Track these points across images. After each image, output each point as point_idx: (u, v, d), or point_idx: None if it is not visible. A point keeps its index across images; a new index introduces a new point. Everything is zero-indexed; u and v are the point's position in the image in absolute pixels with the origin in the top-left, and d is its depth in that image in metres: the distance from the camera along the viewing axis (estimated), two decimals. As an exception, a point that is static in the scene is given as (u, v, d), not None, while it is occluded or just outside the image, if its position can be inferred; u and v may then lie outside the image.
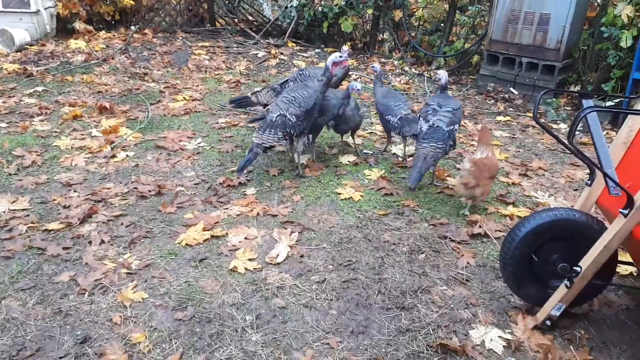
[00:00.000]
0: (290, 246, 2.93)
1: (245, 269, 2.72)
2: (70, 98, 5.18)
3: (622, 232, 2.06)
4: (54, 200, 3.29)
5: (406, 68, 7.39)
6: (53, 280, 2.56)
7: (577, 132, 5.09)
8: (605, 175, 2.05)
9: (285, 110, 3.56)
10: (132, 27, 8.14)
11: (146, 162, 3.94)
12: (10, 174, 3.59)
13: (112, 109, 4.89)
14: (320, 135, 4.64)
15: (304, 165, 3.96)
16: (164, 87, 5.78)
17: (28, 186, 3.44)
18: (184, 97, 5.46)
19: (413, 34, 8.29)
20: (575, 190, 3.90)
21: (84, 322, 2.30)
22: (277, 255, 2.85)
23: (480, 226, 3.21)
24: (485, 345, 2.29)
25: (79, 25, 7.61)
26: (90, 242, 2.88)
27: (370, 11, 7.97)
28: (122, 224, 3.08)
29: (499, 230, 3.21)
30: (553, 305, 2.30)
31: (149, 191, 3.46)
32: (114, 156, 3.98)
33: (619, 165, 2.40)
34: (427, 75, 7.03)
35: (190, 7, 8.76)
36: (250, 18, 9.43)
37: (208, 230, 3.04)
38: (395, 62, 7.62)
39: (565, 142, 2.09)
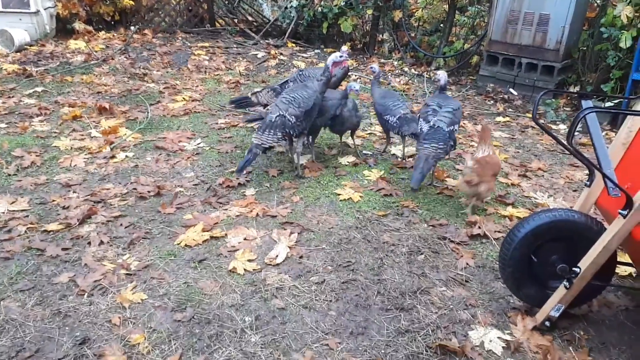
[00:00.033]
0: (290, 247, 2.93)
1: (245, 269, 2.72)
2: (70, 98, 5.18)
3: (621, 233, 2.06)
4: (53, 201, 3.29)
5: (406, 68, 7.39)
6: (52, 281, 2.56)
7: (576, 133, 5.09)
8: (604, 176, 2.05)
9: (285, 110, 3.56)
10: (132, 28, 8.14)
11: (145, 162, 3.94)
12: (9, 175, 3.59)
13: (111, 110, 4.89)
14: (320, 136, 4.64)
15: (303, 166, 3.96)
16: (164, 88, 5.78)
17: (27, 187, 3.44)
18: (183, 98, 5.46)
19: (413, 35, 8.29)
20: (575, 191, 3.90)
21: (83, 323, 2.30)
22: (277, 256, 2.85)
23: (479, 227, 3.21)
24: (485, 346, 2.29)
25: (78, 25, 7.61)
26: (89, 243, 2.88)
27: (369, 12, 7.98)
28: (121, 224, 3.07)
29: (498, 231, 3.21)
30: (552, 306, 2.30)
31: (149, 192, 3.46)
32: (113, 157, 3.98)
33: (618, 166, 2.40)
34: (427, 76, 7.03)
35: (190, 8, 8.76)
36: (250, 18, 9.44)
37: (207, 231, 3.04)
38: (395, 63, 7.62)
39: (565, 142, 2.09)
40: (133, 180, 3.62)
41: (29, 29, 6.93)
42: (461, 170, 4.14)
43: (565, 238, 2.33)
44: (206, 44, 7.90)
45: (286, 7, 8.41)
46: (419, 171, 3.38)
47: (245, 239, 3.00)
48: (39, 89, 5.35)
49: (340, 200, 3.51)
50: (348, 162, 4.13)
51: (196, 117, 5.00)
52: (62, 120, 4.62)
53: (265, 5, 10.14)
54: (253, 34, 8.54)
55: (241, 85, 6.17)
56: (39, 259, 2.72)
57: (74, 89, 5.52)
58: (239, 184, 3.65)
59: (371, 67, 4.28)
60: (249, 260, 2.79)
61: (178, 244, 2.92)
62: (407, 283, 2.70)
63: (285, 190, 3.61)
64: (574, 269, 2.20)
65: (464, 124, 5.29)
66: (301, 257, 2.87)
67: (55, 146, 4.09)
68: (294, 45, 8.30)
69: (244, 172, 3.66)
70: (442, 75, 3.81)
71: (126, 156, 4.01)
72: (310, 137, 4.09)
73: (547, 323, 2.35)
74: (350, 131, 4.25)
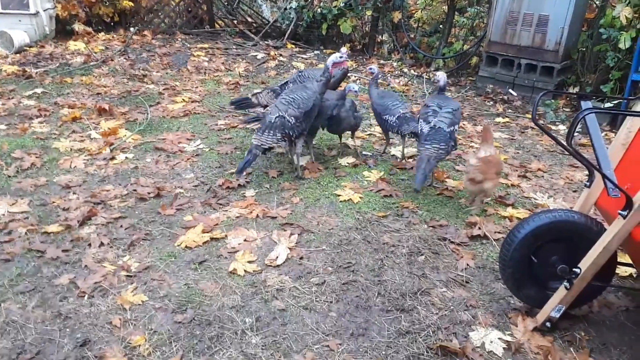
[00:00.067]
0: (290, 248, 2.93)
1: (245, 271, 2.72)
2: (70, 100, 5.18)
3: (621, 234, 2.06)
4: (53, 202, 3.28)
5: (405, 69, 7.40)
6: (52, 283, 2.56)
7: (576, 134, 5.10)
8: (604, 176, 2.05)
9: (284, 111, 3.56)
10: (131, 29, 8.14)
11: (145, 164, 3.94)
12: (9, 176, 3.59)
13: (111, 111, 4.89)
14: (320, 137, 4.64)
15: (303, 167, 3.96)
16: (163, 89, 5.78)
17: (27, 188, 3.44)
18: (183, 99, 5.46)
19: (412, 36, 8.30)
20: (575, 191, 3.91)
21: (84, 325, 2.30)
22: (277, 257, 2.85)
23: (479, 228, 3.21)
24: (486, 347, 2.29)
25: (78, 26, 7.61)
26: (89, 245, 2.88)
27: (369, 13, 7.99)
28: (121, 226, 3.07)
29: (499, 232, 3.21)
30: (553, 307, 2.31)
31: (148, 193, 3.45)
32: (113, 158, 3.98)
33: (618, 167, 2.40)
34: (426, 77, 7.04)
35: (190, 9, 8.76)
36: (250, 20, 9.44)
37: (207, 232, 3.04)
38: (394, 64, 7.63)
39: (564, 143, 2.10)
40: (133, 181, 3.62)
41: (29, 31, 6.93)
42: (461, 171, 4.15)
43: (565, 239, 2.33)
44: (206, 45, 7.90)
45: (285, 8, 8.42)
46: (422, 172, 3.39)
47: (245, 240, 3.00)
48: (38, 91, 5.35)
49: (340, 201, 3.51)
50: (348, 163, 4.13)
51: (196, 118, 5.00)
52: (61, 121, 4.62)
53: (265, 6, 10.14)
54: (252, 35, 8.54)
55: (241, 87, 6.18)
56: (39, 261, 2.72)
57: (73, 90, 5.52)
58: (239, 185, 3.65)
59: (370, 68, 4.29)
60: (249, 262, 2.79)
61: (178, 246, 2.92)
62: (408, 284, 2.70)
63: (285, 192, 3.61)
64: (574, 269, 2.20)
65: (463, 124, 5.29)
66: (301, 258, 2.87)
67: (55, 148, 4.09)
68: (293, 46, 8.31)
69: (244, 173, 3.66)
70: (441, 76, 3.82)
71: (126, 157, 4.01)
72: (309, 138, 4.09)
73: (548, 324, 2.35)
74: (351, 132, 4.26)
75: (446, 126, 3.52)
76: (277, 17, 8.69)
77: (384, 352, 2.24)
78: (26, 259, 2.73)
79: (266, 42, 8.32)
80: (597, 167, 2.08)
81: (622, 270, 2.87)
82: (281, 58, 7.58)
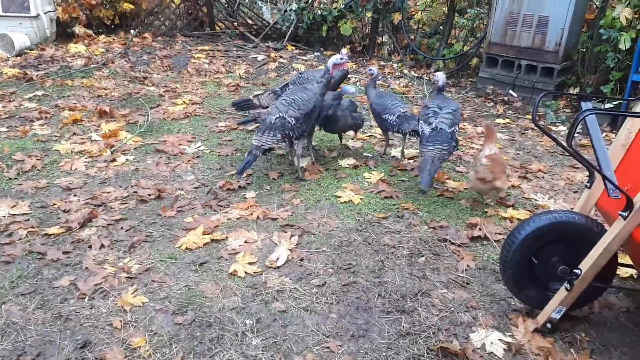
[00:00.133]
0: (290, 250, 2.92)
1: (245, 272, 2.72)
2: (70, 102, 5.19)
3: (622, 235, 2.06)
4: (54, 204, 3.29)
5: (405, 71, 7.40)
6: (53, 284, 2.56)
7: (576, 135, 5.09)
8: (604, 177, 2.05)
9: (285, 112, 3.56)
10: (132, 31, 8.15)
11: (146, 166, 3.95)
12: (10, 179, 3.60)
13: (111, 113, 4.89)
14: (320, 139, 4.65)
15: (303, 168, 3.96)
16: (164, 91, 5.79)
17: (28, 190, 3.45)
18: (183, 101, 5.47)
19: (412, 37, 8.31)
20: (575, 192, 3.91)
21: (84, 326, 2.30)
22: (277, 258, 2.85)
23: (480, 229, 3.21)
24: (486, 349, 2.29)
25: (78, 29, 7.64)
26: (90, 247, 2.88)
27: (369, 14, 8.00)
28: (122, 228, 3.08)
29: (499, 233, 3.21)
30: (553, 308, 2.30)
31: (149, 195, 3.46)
32: (113, 160, 3.99)
33: (618, 168, 2.40)
34: (427, 78, 7.04)
35: (190, 11, 8.78)
36: (250, 22, 9.46)
37: (208, 234, 3.04)
38: (395, 65, 7.63)
39: (564, 144, 2.10)
40: (133, 183, 3.62)
41: (29, 33, 6.95)
42: (462, 172, 4.15)
43: (565, 240, 2.33)
44: (206, 47, 7.91)
45: (286, 10, 8.43)
46: (427, 173, 3.40)
47: (245, 241, 3.00)
48: (39, 93, 5.36)
49: (341, 203, 3.51)
50: (348, 164, 4.13)
51: (196, 120, 5.01)
52: (62, 124, 4.62)
53: (265, 8, 10.16)
54: (253, 37, 8.56)
55: (241, 89, 6.18)
56: (39, 263, 2.72)
57: (74, 92, 5.53)
58: (240, 186, 3.65)
59: (369, 70, 4.29)
60: (250, 263, 2.79)
61: (179, 247, 2.92)
62: (408, 285, 2.70)
63: (286, 193, 3.61)
64: (574, 270, 2.20)
65: (464, 126, 5.30)
66: (302, 259, 2.87)
67: (55, 150, 4.09)
68: (293, 48, 8.32)
69: (244, 174, 3.67)
70: (440, 77, 3.83)
71: (127, 159, 4.02)
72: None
73: (549, 325, 2.35)
74: (353, 132, 4.27)
75: (447, 127, 3.53)
76: (277, 19, 8.71)
77: (384, 354, 2.23)
78: (27, 261, 2.73)
79: (266, 44, 8.33)
80: (598, 168, 2.07)
81: (622, 271, 2.86)
82: (281, 60, 7.58)
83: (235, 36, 8.76)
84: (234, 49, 8.07)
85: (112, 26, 8.34)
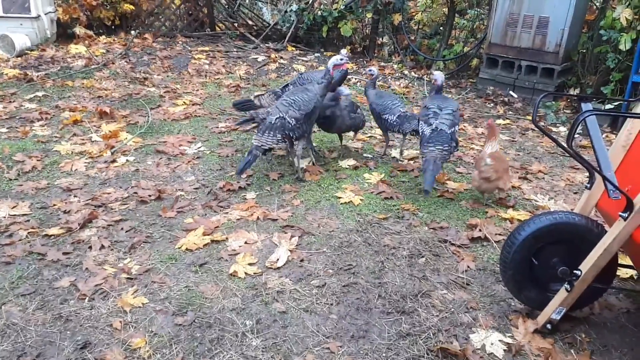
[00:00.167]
0: (291, 250, 2.92)
1: (246, 273, 2.72)
2: (71, 103, 5.19)
3: (622, 236, 2.06)
4: (54, 205, 3.29)
5: (405, 72, 7.40)
6: (53, 285, 2.56)
7: (576, 135, 5.09)
8: (604, 178, 2.05)
9: (285, 112, 3.56)
10: (132, 32, 8.16)
11: (146, 166, 3.95)
12: (10, 179, 3.60)
13: (112, 114, 4.90)
14: (321, 140, 4.65)
15: (303, 169, 3.96)
16: (164, 92, 5.79)
17: (28, 191, 3.45)
18: (184, 102, 5.47)
19: (412, 38, 8.31)
20: (575, 193, 3.90)
21: (84, 327, 2.30)
22: (277, 259, 2.85)
23: (480, 230, 3.21)
24: (486, 349, 2.29)
25: (79, 30, 7.64)
26: (90, 247, 2.88)
27: (369, 15, 8.00)
28: (122, 228, 3.08)
29: (499, 234, 3.21)
30: (553, 309, 2.30)
31: (149, 196, 3.46)
32: (114, 161, 3.99)
33: (619, 169, 2.40)
34: (427, 79, 7.04)
35: (190, 12, 8.78)
36: (250, 22, 9.46)
37: (208, 234, 3.04)
38: (395, 66, 7.64)
39: (565, 145, 2.10)
40: (134, 184, 3.63)
41: (30, 34, 6.96)
42: (462, 173, 4.15)
43: (566, 241, 2.33)
44: (206, 48, 7.92)
45: (286, 11, 8.44)
46: (430, 174, 3.40)
47: (246, 242, 3.00)
48: (39, 94, 5.36)
49: (341, 204, 3.52)
50: (348, 165, 4.13)
51: (197, 121, 5.01)
52: (62, 124, 4.63)
53: (265, 9, 10.17)
54: (253, 38, 8.56)
55: (241, 89, 6.19)
56: (40, 264, 2.72)
57: (74, 93, 5.54)
58: (240, 187, 3.66)
59: (369, 70, 4.29)
60: (250, 264, 2.79)
61: (179, 248, 2.92)
62: (408, 286, 2.70)
63: (286, 194, 3.61)
64: (574, 271, 2.20)
65: (464, 126, 5.30)
66: (302, 260, 2.87)
67: (56, 150, 4.10)
68: (294, 48, 8.32)
69: (244, 174, 3.67)
70: (438, 75, 3.83)
71: (127, 160, 4.02)
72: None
73: (549, 326, 2.35)
74: (353, 133, 4.27)
75: (447, 128, 3.54)
76: (277, 20, 8.71)
77: (384, 355, 2.23)
78: (27, 262, 2.73)
79: (267, 44, 8.34)
80: (598, 169, 2.07)
81: (623, 272, 2.86)
82: (282, 61, 7.59)
83: (236, 37, 8.76)
84: (235, 49, 8.08)
85: (113, 27, 8.35)
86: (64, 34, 7.69)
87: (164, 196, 3.50)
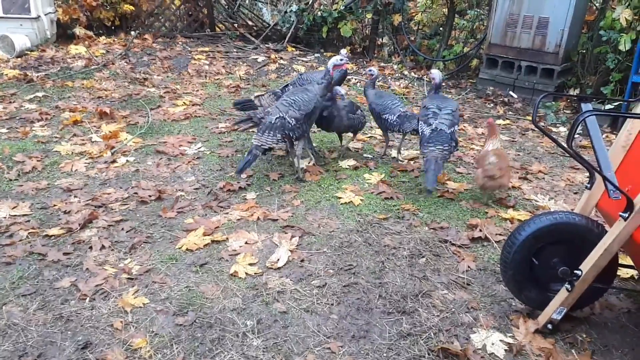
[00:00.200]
0: (291, 251, 2.93)
1: (246, 273, 2.72)
2: (71, 103, 5.19)
3: (622, 236, 2.06)
4: (55, 205, 3.29)
5: (405, 72, 7.41)
6: (54, 285, 2.56)
7: (576, 136, 5.10)
8: (604, 178, 2.05)
9: (285, 112, 3.57)
10: (132, 33, 8.16)
11: (146, 167, 3.95)
12: (10, 180, 3.60)
13: (112, 114, 4.90)
14: (321, 140, 4.65)
15: (304, 169, 3.96)
16: (164, 92, 5.79)
17: (28, 192, 3.45)
18: (184, 102, 5.48)
19: (412, 38, 8.32)
20: (575, 193, 3.91)
21: (85, 327, 2.30)
22: (278, 259, 2.85)
23: (480, 230, 3.21)
24: (487, 349, 2.29)
25: (79, 30, 7.64)
26: (90, 248, 2.88)
27: (369, 16, 8.00)
28: (122, 229, 3.08)
29: (500, 234, 3.21)
30: (554, 309, 2.30)
31: (150, 196, 3.46)
32: (114, 161, 3.99)
33: (619, 169, 2.40)
34: (427, 79, 7.04)
35: (190, 13, 8.78)
36: (250, 23, 9.47)
37: (208, 235, 3.04)
38: (395, 66, 7.64)
39: (565, 145, 2.10)
40: (134, 184, 3.63)
41: (30, 35, 6.96)
42: (462, 173, 4.15)
43: (566, 241, 2.33)
44: (206, 49, 7.92)
45: (286, 12, 8.44)
46: (432, 173, 3.41)
47: (246, 242, 3.00)
48: (39, 94, 5.36)
49: (341, 204, 3.52)
50: (349, 165, 4.13)
51: (197, 121, 5.01)
52: (62, 125, 4.63)
53: (265, 9, 10.17)
54: (253, 39, 8.56)
55: (241, 90, 6.19)
56: (40, 264, 2.72)
57: (74, 94, 5.54)
58: (240, 188, 3.66)
59: (369, 70, 4.29)
60: (250, 264, 2.79)
61: (179, 248, 2.92)
62: (409, 286, 2.70)
63: (286, 194, 3.61)
64: (575, 271, 2.20)
65: (464, 127, 5.30)
66: (302, 260, 2.87)
67: (56, 151, 4.10)
68: (293, 49, 8.33)
69: (244, 173, 3.67)
70: (436, 74, 3.83)
71: (127, 161, 4.02)
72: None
73: (549, 326, 2.35)
74: (352, 133, 4.27)
75: (447, 128, 3.55)
76: (277, 21, 8.71)
77: (385, 355, 2.23)
78: (27, 262, 2.73)
79: (267, 45, 8.34)
80: (598, 169, 2.08)
81: (623, 272, 2.87)
82: (282, 61, 7.59)
83: (236, 37, 8.76)
84: (234, 50, 8.08)
85: (113, 27, 8.35)
86: (64, 34, 7.69)
87: (164, 196, 3.50)
